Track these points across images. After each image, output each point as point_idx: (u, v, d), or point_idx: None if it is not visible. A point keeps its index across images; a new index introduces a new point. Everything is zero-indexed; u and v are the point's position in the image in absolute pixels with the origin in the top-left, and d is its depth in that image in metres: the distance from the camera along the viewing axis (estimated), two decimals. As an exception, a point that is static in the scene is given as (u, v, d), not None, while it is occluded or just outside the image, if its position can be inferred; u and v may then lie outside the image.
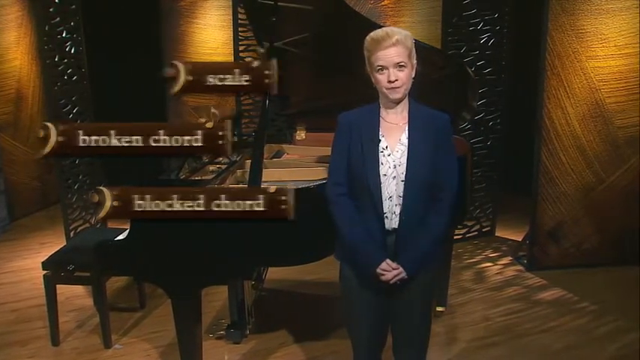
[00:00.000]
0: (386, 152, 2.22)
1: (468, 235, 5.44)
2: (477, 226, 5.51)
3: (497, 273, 4.75)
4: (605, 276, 4.60)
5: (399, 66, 2.14)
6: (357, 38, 3.36)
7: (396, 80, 2.14)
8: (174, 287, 2.83)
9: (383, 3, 5.22)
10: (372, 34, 2.20)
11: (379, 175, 2.21)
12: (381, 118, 2.26)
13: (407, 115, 2.25)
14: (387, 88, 2.16)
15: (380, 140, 2.22)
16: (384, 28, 2.21)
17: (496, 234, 5.57)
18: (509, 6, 5.10)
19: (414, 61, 2.20)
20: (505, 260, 5.00)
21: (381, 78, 2.16)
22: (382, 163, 2.21)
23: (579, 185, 4.61)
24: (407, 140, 2.22)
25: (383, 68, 2.15)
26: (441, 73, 3.61)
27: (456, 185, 2.30)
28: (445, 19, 4.99)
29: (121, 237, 2.98)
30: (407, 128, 2.24)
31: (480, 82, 4.56)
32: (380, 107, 2.27)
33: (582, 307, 4.12)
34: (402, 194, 2.20)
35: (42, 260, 3.63)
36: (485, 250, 5.24)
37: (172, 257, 2.74)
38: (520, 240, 5.20)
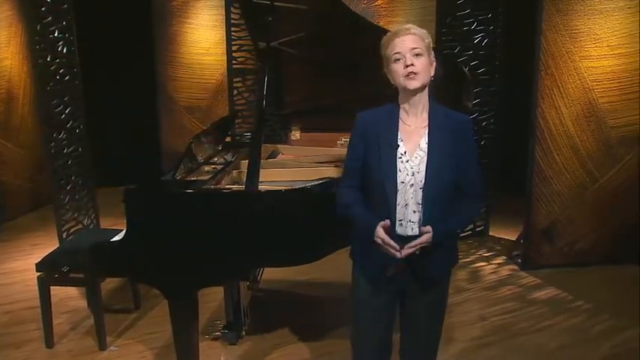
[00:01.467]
0: (404, 158, 2.15)
1: (462, 235, 5.45)
2: (471, 226, 5.53)
3: (491, 272, 4.77)
4: (599, 275, 4.64)
5: (415, 54, 2.10)
6: (352, 38, 3.39)
7: (412, 65, 2.08)
8: (171, 288, 2.80)
9: (376, 3, 5.23)
10: (388, 32, 2.19)
11: (396, 183, 2.14)
12: (400, 121, 2.20)
13: (427, 117, 2.19)
14: (404, 76, 2.10)
15: (399, 145, 2.17)
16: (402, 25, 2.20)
17: (490, 233, 5.60)
18: (502, 6, 5.11)
19: (433, 58, 2.16)
20: (499, 260, 5.02)
21: (398, 67, 2.11)
22: (400, 170, 2.14)
23: (573, 185, 4.63)
24: (426, 145, 2.16)
25: (399, 57, 2.10)
26: (436, 73, 3.61)
27: (481, 183, 2.27)
28: (439, 19, 4.99)
29: (117, 238, 2.96)
30: (426, 132, 2.18)
31: (473, 82, 4.57)
32: (399, 110, 2.21)
33: (577, 306, 4.14)
34: (420, 201, 2.14)
35: (34, 261, 3.60)
36: (479, 249, 5.26)
37: (169, 258, 2.72)
38: (514, 239, 5.23)
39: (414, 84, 2.11)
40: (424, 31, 2.16)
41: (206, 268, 2.74)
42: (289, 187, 2.91)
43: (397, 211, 2.16)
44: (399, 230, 2.17)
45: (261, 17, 3.20)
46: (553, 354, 3.55)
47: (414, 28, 2.13)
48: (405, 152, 2.16)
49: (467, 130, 2.23)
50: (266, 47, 3.28)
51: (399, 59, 2.11)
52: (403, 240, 2.17)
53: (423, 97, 2.18)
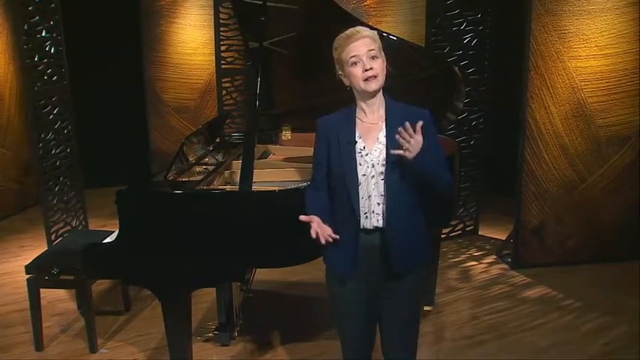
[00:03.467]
0: (364, 152, 2.22)
1: (452, 234, 5.48)
2: (461, 225, 5.55)
3: (482, 271, 4.78)
4: (588, 273, 4.66)
5: (372, 56, 2.15)
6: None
7: (371, 68, 2.15)
8: (164, 289, 2.78)
9: (365, 3, 5.23)
10: (340, 35, 2.22)
11: (357, 177, 2.20)
12: (357, 119, 2.27)
13: (384, 113, 2.26)
14: (364, 80, 2.16)
15: (356, 142, 2.23)
16: (351, 28, 2.23)
17: (479, 233, 5.62)
18: (491, 6, 5.14)
19: (384, 58, 2.22)
20: (489, 259, 5.04)
21: (356, 70, 2.16)
22: (360, 164, 2.21)
23: (562, 184, 4.66)
24: (384, 139, 2.22)
25: (356, 61, 2.15)
26: (426, 73, 3.62)
27: (449, 173, 2.29)
28: (429, 20, 5.01)
29: (109, 239, 2.93)
30: (384, 126, 2.24)
31: (465, 82, 4.58)
32: (356, 109, 2.28)
33: (567, 305, 4.16)
34: (383, 193, 2.19)
35: (22, 264, 3.56)
36: (469, 248, 5.28)
37: (163, 259, 2.70)
38: (504, 239, 5.25)
39: (374, 87, 2.18)
40: (375, 32, 2.23)
41: (200, 269, 2.72)
42: (282, 188, 2.90)
43: (361, 203, 2.21)
44: (365, 223, 2.22)
45: (254, 17, 3.19)
46: (545, 352, 3.56)
47: (366, 30, 2.19)
48: (364, 147, 2.22)
49: (427, 126, 2.22)
50: (259, 47, 3.25)
51: (356, 62, 2.16)
52: (368, 232, 2.23)
53: (379, 95, 2.24)
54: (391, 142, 2.19)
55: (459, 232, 5.55)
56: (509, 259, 4.89)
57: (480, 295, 4.35)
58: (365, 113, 2.26)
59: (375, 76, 2.16)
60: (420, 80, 3.63)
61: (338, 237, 2.15)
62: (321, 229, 2.13)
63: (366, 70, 2.14)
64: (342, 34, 2.20)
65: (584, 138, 4.58)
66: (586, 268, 4.73)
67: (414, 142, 2.05)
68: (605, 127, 4.58)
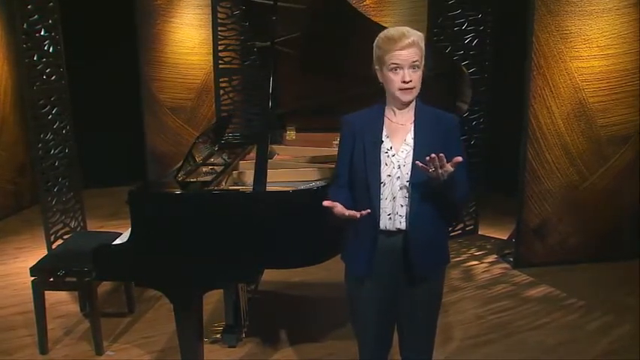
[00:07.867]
0: (390, 153, 2.19)
1: (452, 234, 5.48)
2: (461, 225, 5.57)
3: (484, 271, 4.80)
4: (589, 272, 4.70)
5: (414, 67, 2.10)
6: (348, 36, 3.37)
7: (410, 81, 2.10)
8: (178, 291, 2.75)
9: (365, 3, 5.21)
10: (385, 32, 2.16)
11: (379, 177, 2.17)
12: (386, 118, 2.23)
13: (413, 115, 2.22)
14: (400, 89, 2.11)
15: (383, 141, 2.20)
16: (398, 28, 2.15)
17: (479, 232, 5.64)
18: (492, 6, 5.16)
19: (423, 65, 2.17)
20: (491, 258, 5.06)
21: (395, 78, 2.11)
22: (386, 164, 2.18)
23: (564, 183, 4.69)
24: (412, 140, 2.18)
25: (397, 68, 2.09)
26: (432, 73, 3.61)
27: (469, 183, 2.26)
28: (431, 19, 5.01)
29: (119, 241, 2.90)
30: (412, 128, 2.21)
31: (471, 83, 4.58)
32: (385, 108, 2.24)
33: (571, 304, 4.19)
34: (407, 195, 2.16)
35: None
36: (470, 248, 5.30)
37: (178, 261, 2.67)
38: (504, 238, 5.28)
39: (409, 98, 2.15)
40: (420, 34, 2.14)
41: (215, 270, 2.70)
42: (295, 188, 2.89)
43: (385, 205, 2.18)
44: (387, 225, 2.20)
45: (264, 16, 3.17)
46: (552, 351, 3.58)
47: (414, 36, 2.10)
48: (390, 147, 2.19)
49: (454, 130, 2.25)
50: (270, 46, 3.23)
51: (396, 70, 2.10)
52: (391, 234, 2.21)
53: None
54: (419, 143, 2.17)
55: (459, 231, 5.56)
56: (511, 259, 4.91)
57: (484, 294, 4.37)
58: (394, 113, 2.22)
59: (412, 89, 2.12)
60: (424, 80, 3.63)
61: (369, 210, 2.08)
62: (347, 212, 2.06)
63: (405, 82, 2.10)
64: (388, 34, 2.12)
65: (585, 138, 4.61)
66: (587, 267, 4.76)
67: (442, 172, 2.01)
68: (605, 126, 4.61)
